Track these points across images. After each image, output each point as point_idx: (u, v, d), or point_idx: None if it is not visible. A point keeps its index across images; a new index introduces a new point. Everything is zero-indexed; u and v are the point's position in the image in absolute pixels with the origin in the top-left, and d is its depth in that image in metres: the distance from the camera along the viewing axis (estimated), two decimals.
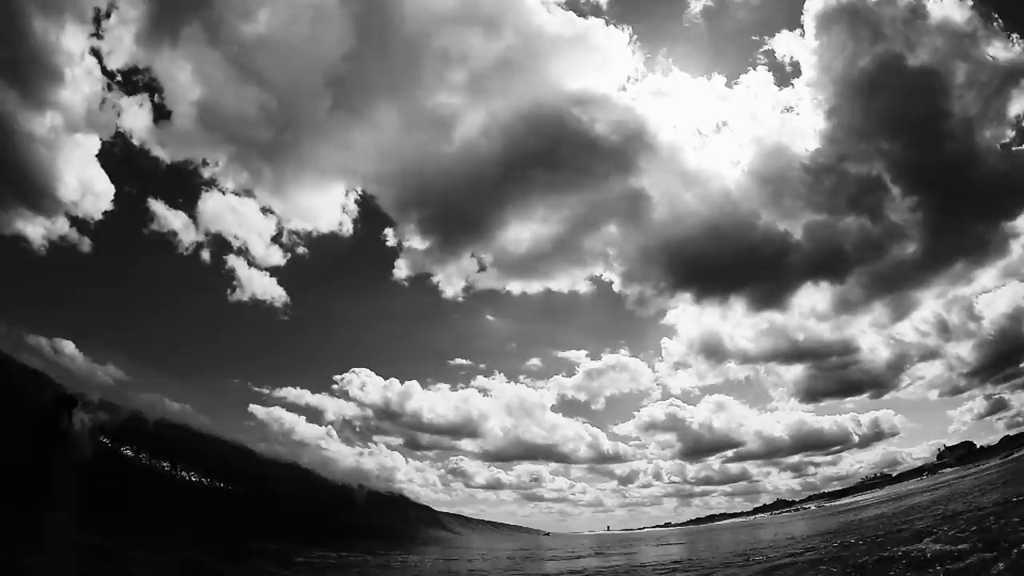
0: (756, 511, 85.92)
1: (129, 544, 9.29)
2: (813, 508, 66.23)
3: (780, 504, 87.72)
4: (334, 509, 24.34)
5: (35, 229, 47.22)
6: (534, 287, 76.42)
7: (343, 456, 56.52)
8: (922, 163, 68.44)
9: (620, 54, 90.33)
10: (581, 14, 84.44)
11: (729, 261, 73.66)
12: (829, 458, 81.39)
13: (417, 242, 75.77)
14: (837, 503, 59.36)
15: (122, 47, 59.92)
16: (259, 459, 26.69)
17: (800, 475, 79.66)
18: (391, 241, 74.34)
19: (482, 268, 73.13)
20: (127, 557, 8.28)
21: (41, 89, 48.41)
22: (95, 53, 52.32)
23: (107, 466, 13.60)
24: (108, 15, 51.92)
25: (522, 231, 78.11)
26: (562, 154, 72.56)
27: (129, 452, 16.16)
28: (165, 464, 16.48)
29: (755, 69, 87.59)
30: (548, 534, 42.01)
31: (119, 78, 59.12)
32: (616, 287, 78.99)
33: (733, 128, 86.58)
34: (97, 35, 51.68)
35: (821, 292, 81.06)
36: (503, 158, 68.44)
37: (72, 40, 49.39)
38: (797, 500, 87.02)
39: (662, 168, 79.01)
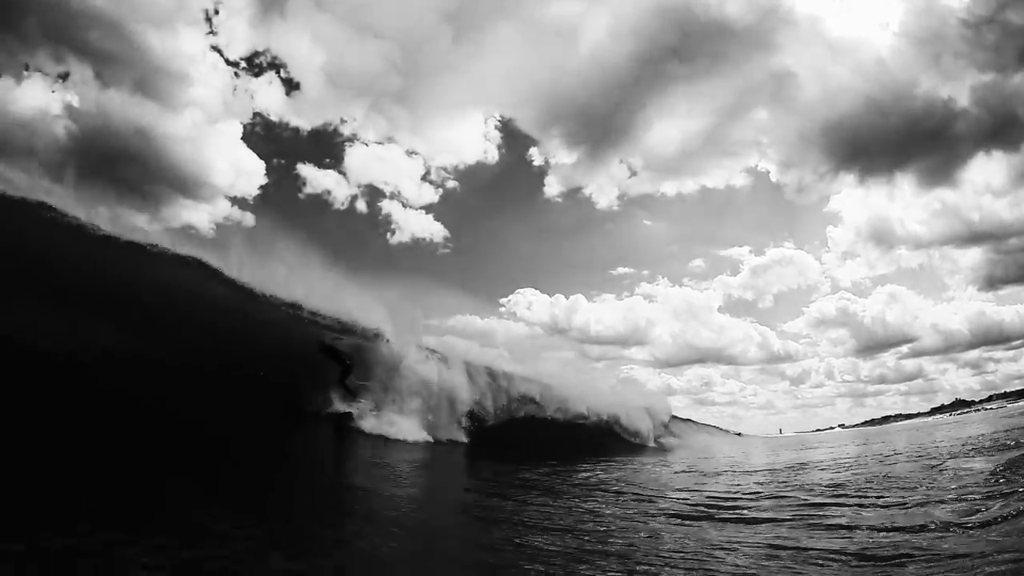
0: (933, 411, 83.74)
1: None
2: (994, 407, 64.13)
3: (959, 404, 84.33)
4: None
5: (199, 216, 56.59)
6: (688, 186, 75.58)
7: None
8: None
9: None
10: None
11: (891, 135, 67.62)
12: (1011, 354, 75.50)
13: (564, 156, 77.22)
14: (1022, 403, 57.36)
15: (238, 36, 65.71)
16: None
17: (979, 372, 75.33)
18: (538, 160, 76.10)
19: (633, 173, 73.76)
20: None
21: (175, 94, 56.53)
22: (215, 48, 58.83)
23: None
24: (217, 11, 57.87)
25: (668, 129, 76.57)
26: (696, 42, 69.59)
27: None
28: None
29: None
30: (740, 434, 45.98)
31: (243, 65, 65.12)
32: (773, 176, 75.93)
33: None
34: (212, 32, 58.09)
35: (995, 163, 72.14)
36: (636, 56, 67.30)
37: (190, 43, 56.26)
38: (977, 400, 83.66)
39: (805, 42, 72.94)
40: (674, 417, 29.84)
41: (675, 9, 68.85)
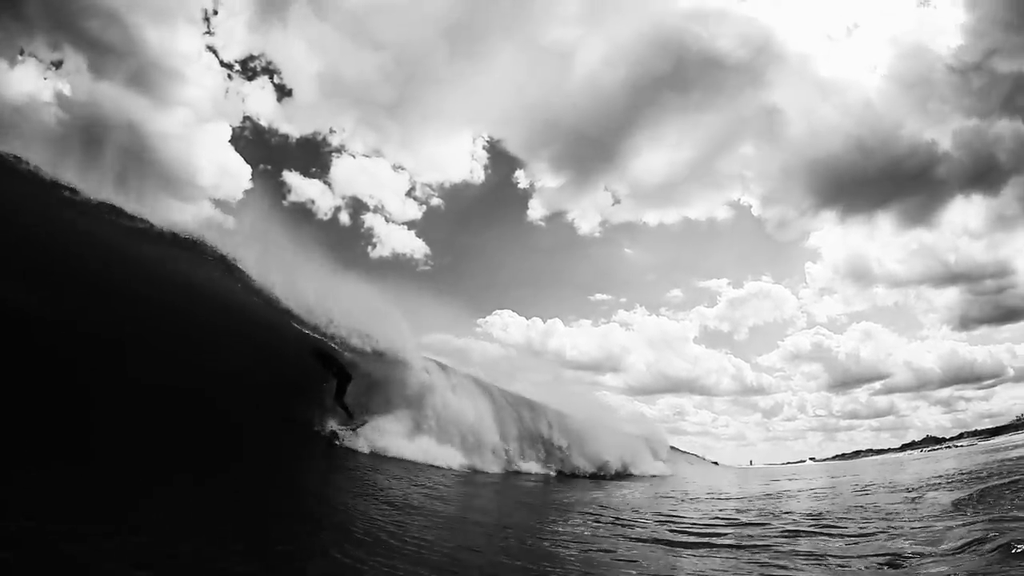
0: (904, 447, 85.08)
1: None
2: (965, 444, 65.38)
3: (929, 441, 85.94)
4: None
5: (183, 216, 56.09)
6: (671, 216, 77.05)
7: None
8: None
9: None
10: None
11: (874, 175, 69.74)
12: (982, 393, 77.46)
13: (549, 180, 78.16)
14: (993, 441, 58.68)
15: (235, 38, 66.06)
16: None
17: (950, 410, 77.04)
18: (523, 182, 76.98)
19: (617, 200, 75.07)
20: None
21: (167, 91, 56.06)
22: (211, 49, 59.09)
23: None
24: (216, 12, 58.12)
25: (655, 159, 78.08)
26: (688, 74, 71.50)
27: None
28: None
29: None
30: (716, 463, 46.07)
31: (237, 67, 64.27)
32: (755, 211, 77.68)
33: (865, 29, 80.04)
34: (209, 32, 58.12)
35: (974, 206, 75.08)
36: (628, 84, 68.86)
37: (187, 41, 55.89)
38: (947, 437, 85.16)
39: (794, 80, 75.34)
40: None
41: (669, 40, 70.89)
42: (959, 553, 4.42)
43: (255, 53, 61.98)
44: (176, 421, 6.13)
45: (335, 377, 9.91)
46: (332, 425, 9.52)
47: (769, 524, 6.68)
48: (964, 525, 5.55)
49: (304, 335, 10.64)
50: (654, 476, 19.53)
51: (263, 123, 61.83)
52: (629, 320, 74.01)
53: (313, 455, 8.60)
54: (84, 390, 5.56)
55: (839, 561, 4.55)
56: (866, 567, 4.31)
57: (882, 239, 78.59)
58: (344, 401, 9.87)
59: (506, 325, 69.78)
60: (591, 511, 7.72)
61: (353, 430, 9.67)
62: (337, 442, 9.29)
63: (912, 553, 4.60)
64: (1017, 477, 9.46)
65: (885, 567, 4.28)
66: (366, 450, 9.44)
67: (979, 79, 64.37)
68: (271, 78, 64.64)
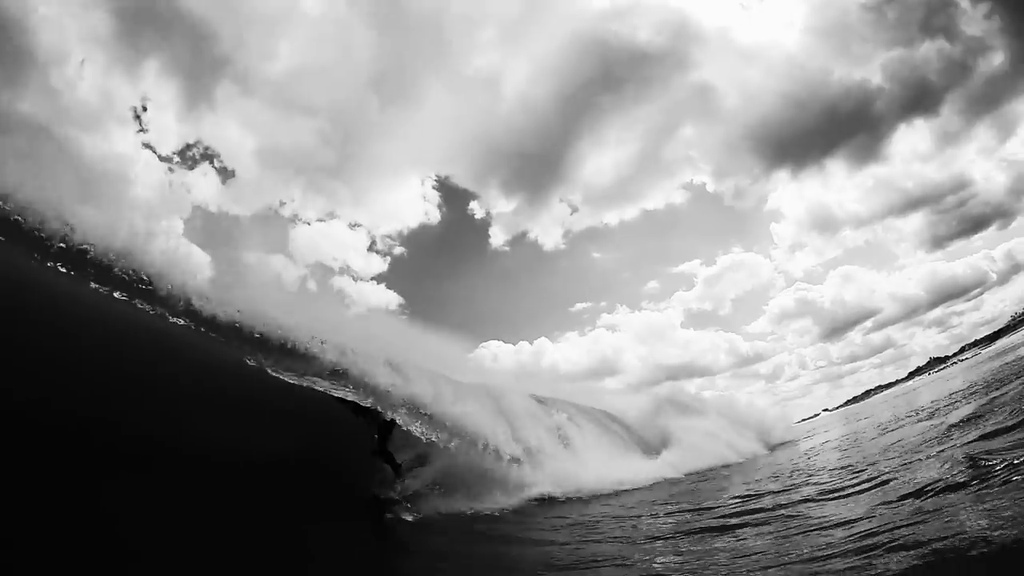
0: (911, 375, 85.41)
1: None
2: (969, 357, 65.58)
3: (934, 363, 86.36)
4: None
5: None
6: (629, 212, 77.59)
7: None
8: None
9: None
10: None
11: (814, 126, 71.39)
12: (971, 304, 78.82)
13: (503, 205, 78.86)
14: (996, 346, 58.90)
15: (168, 131, 66.46)
16: None
17: (945, 328, 78.21)
18: (479, 212, 77.33)
19: (574, 209, 75.94)
20: None
21: (115, 197, 55.86)
22: (147, 146, 59.05)
23: None
24: (145, 108, 58.24)
25: (602, 161, 79.07)
26: (616, 72, 72.76)
27: None
28: None
29: None
30: None
31: (176, 159, 65.92)
32: (710, 187, 78.30)
33: None
34: (143, 130, 58.13)
35: (917, 131, 77.16)
36: (560, 96, 69.96)
37: (123, 143, 56.55)
38: (950, 355, 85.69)
39: (718, 54, 77.46)
40: None
41: (590, 44, 72.25)
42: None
43: (191, 141, 61.65)
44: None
45: (373, 423, 7.50)
46: (382, 491, 7.11)
47: (798, 489, 5.98)
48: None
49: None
50: None
51: (212, 209, 61.39)
52: (614, 322, 74.40)
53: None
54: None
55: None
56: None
57: (838, 184, 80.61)
58: (387, 450, 7.43)
59: (495, 356, 68.88)
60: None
61: (404, 503, 7.10)
62: (389, 515, 6.86)
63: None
64: None
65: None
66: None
67: (893, 10, 66.82)
68: (211, 163, 64.35)
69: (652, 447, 15.30)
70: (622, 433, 14.68)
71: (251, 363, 6.93)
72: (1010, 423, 5.45)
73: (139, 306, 6.36)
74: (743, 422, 20.23)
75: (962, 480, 3.87)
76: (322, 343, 7.71)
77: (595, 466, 10.29)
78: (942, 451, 5.50)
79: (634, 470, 10.75)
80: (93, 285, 6.00)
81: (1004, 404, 6.96)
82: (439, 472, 8.01)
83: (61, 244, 5.79)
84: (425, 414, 8.03)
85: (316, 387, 7.21)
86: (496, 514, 7.53)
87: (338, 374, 7.63)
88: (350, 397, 7.41)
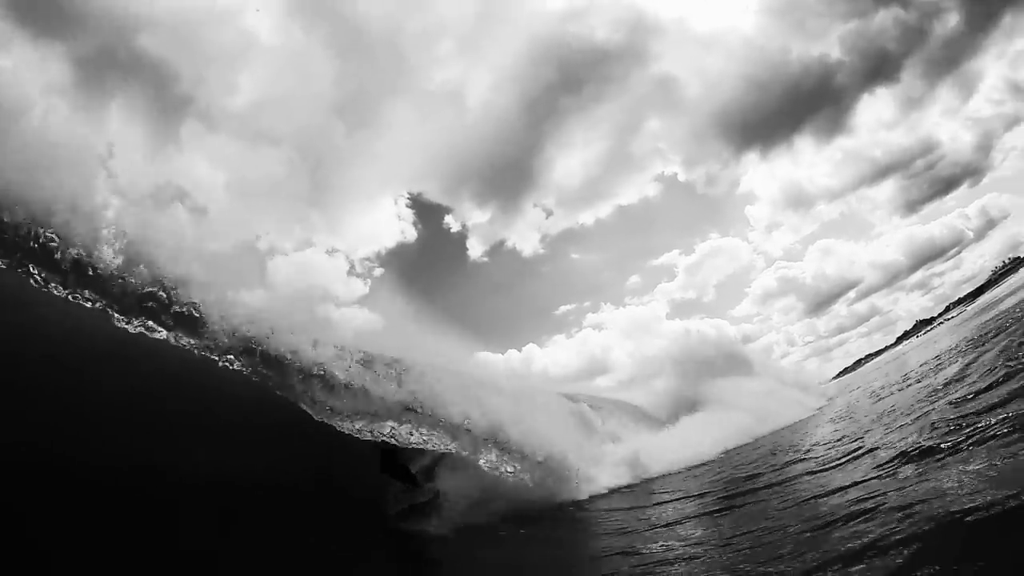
0: (899, 340, 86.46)
1: None
2: (955, 315, 66.42)
3: (921, 325, 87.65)
4: None
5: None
6: (604, 210, 77.53)
7: None
8: None
9: None
10: None
11: (777, 106, 72.27)
12: (950, 263, 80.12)
13: (478, 215, 78.22)
14: (980, 301, 59.66)
15: (138, 172, 64.90)
16: None
17: (928, 290, 79.45)
18: (455, 227, 76.56)
19: (549, 213, 75.86)
20: None
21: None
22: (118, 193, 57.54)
23: None
24: (111, 154, 57.29)
25: (571, 162, 79.11)
26: (577, 73, 73.17)
27: None
28: None
29: None
30: None
31: (148, 202, 64.24)
32: (681, 177, 78.82)
33: None
34: (111, 176, 57.09)
35: (880, 99, 78.35)
36: (523, 102, 70.05)
37: (99, 196, 55.41)
38: (936, 316, 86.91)
39: (676, 45, 78.05)
40: None
41: (549, 47, 72.58)
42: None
43: (160, 183, 60.58)
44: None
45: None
46: (395, 506, 6.76)
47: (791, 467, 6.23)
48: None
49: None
50: None
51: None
52: (599, 321, 74.27)
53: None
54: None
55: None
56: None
57: (807, 160, 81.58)
58: (397, 464, 6.85)
59: (484, 367, 67.86)
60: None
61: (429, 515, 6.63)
62: (415, 528, 6.51)
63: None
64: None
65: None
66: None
67: None
68: (182, 202, 63.58)
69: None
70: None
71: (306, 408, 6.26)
72: (983, 384, 5.76)
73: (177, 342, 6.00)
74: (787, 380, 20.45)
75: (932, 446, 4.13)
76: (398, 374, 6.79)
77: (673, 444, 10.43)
78: (920, 417, 5.81)
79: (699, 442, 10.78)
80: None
81: (984, 364, 7.27)
82: (480, 491, 7.12)
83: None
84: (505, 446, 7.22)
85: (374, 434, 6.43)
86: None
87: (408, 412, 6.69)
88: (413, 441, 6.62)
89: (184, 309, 5.99)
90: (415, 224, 70.68)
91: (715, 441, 11.51)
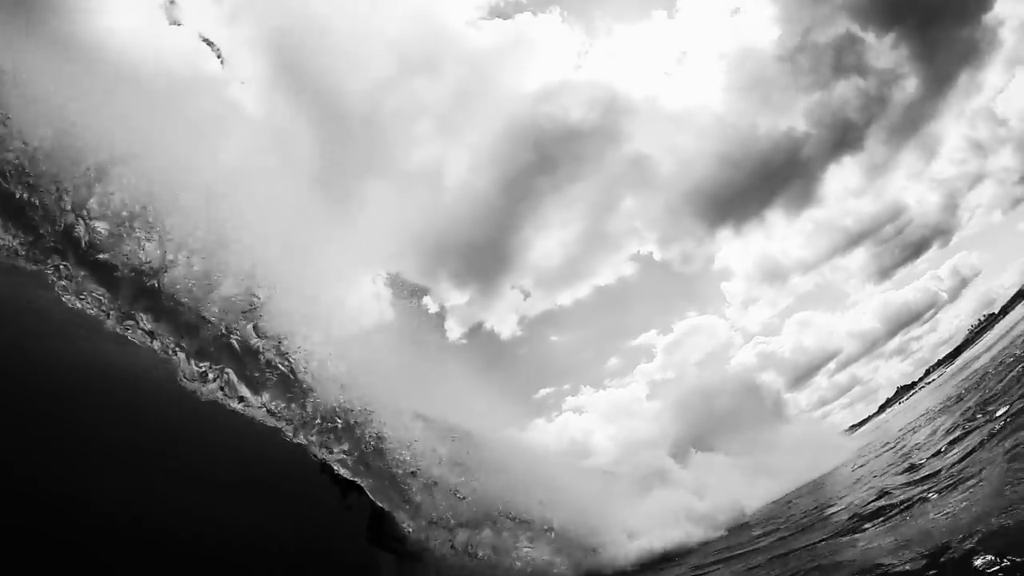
0: (882, 408, 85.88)
1: None
2: (936, 378, 66.68)
3: (901, 392, 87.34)
4: None
5: None
6: (582, 290, 77.87)
7: None
8: None
9: (558, 35, 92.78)
10: (507, 16, 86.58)
11: (749, 181, 74.81)
12: (927, 326, 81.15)
13: (456, 297, 77.73)
14: (959, 361, 60.23)
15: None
16: None
17: (907, 355, 79.93)
18: (433, 307, 76.39)
19: (527, 295, 75.96)
20: None
21: None
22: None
23: None
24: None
25: (548, 243, 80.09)
26: (552, 153, 75.59)
27: None
28: None
29: None
30: None
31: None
32: (657, 256, 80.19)
33: (694, 54, 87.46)
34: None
35: (846, 168, 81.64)
36: (500, 182, 71.40)
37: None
38: (916, 381, 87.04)
39: (648, 123, 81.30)
40: None
41: (525, 128, 75.36)
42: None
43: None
44: None
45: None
46: None
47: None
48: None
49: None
50: None
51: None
52: (579, 404, 72.60)
53: None
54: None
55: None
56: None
57: (779, 233, 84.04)
58: (387, 534, 6.33)
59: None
60: None
61: None
62: None
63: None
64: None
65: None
66: None
67: (806, 57, 72.15)
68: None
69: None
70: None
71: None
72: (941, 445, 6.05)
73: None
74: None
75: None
76: None
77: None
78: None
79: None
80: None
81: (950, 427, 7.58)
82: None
83: None
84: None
85: None
86: None
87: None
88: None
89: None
90: (392, 305, 69.90)
91: None
